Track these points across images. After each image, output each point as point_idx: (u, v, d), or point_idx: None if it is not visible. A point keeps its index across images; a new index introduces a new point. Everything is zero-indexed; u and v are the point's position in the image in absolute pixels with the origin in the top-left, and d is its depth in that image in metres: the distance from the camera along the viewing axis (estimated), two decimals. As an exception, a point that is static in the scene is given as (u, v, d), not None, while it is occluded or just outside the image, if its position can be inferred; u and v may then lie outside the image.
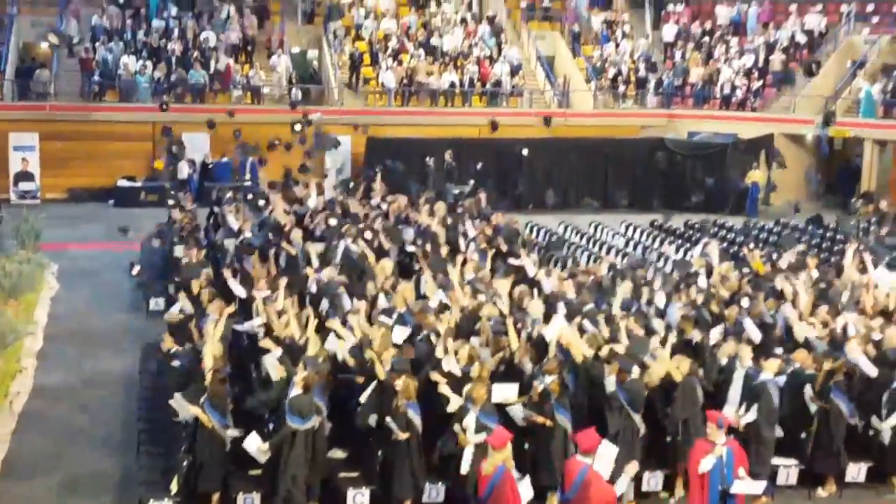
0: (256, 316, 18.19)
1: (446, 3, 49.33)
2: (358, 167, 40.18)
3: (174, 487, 14.79)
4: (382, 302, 18.98)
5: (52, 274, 27.42)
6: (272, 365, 15.83)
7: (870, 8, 46.26)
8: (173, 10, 45.04)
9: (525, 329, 17.43)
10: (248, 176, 39.47)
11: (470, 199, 30.34)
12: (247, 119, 41.11)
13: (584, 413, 15.61)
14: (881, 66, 42.74)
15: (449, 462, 14.98)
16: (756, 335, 18.15)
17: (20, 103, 40.36)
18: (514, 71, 45.84)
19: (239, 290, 20.06)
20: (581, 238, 31.60)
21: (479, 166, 39.39)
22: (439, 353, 16.09)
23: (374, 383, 15.45)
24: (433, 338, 16.81)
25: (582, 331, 17.41)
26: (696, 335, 17.45)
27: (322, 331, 16.95)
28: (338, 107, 42.51)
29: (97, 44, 42.55)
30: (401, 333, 16.95)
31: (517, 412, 15.29)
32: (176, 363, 17.04)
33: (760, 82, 44.73)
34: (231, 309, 17.87)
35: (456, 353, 15.97)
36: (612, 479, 12.80)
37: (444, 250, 22.79)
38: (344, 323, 17.32)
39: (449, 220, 26.07)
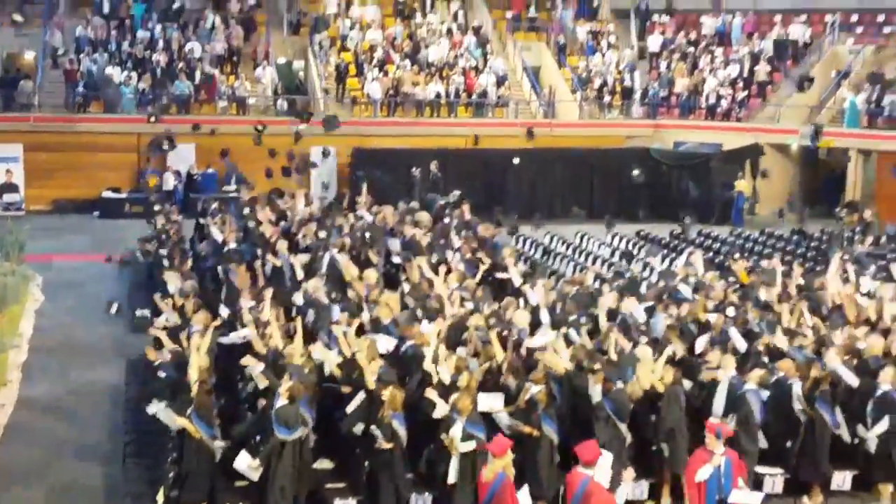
0: (242, 327, 18.16)
1: (432, 14, 49.39)
2: (344, 178, 40.23)
3: (160, 499, 14.77)
4: (366, 313, 18.95)
5: (36, 286, 27.35)
6: (257, 375, 15.82)
7: (854, 18, 46.52)
8: (158, 21, 45.02)
9: (511, 338, 17.44)
10: (234, 186, 39.39)
11: (456, 209, 30.31)
12: (231, 130, 41.02)
13: (567, 424, 15.63)
14: (866, 75, 42.86)
15: (436, 472, 14.97)
16: (741, 344, 18.18)
17: (4, 115, 40.22)
18: (500, 81, 45.87)
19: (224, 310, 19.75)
20: (567, 248, 31.63)
21: (464, 176, 39.40)
22: (428, 363, 16.08)
23: (361, 393, 15.43)
24: (424, 350, 16.75)
25: (568, 341, 17.44)
26: (679, 350, 17.41)
27: (308, 341, 16.95)
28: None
29: (82, 55, 42.48)
30: (386, 344, 16.96)
31: (503, 419, 15.29)
32: (162, 374, 16.99)
33: (745, 92, 44.83)
34: (217, 321, 17.83)
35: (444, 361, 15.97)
36: (612, 489, 12.83)
37: (425, 267, 22.63)
38: (329, 333, 17.31)
39: (434, 231, 26.10)
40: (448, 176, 38.83)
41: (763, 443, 16.22)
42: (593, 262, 28.56)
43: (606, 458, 12.76)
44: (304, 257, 23.35)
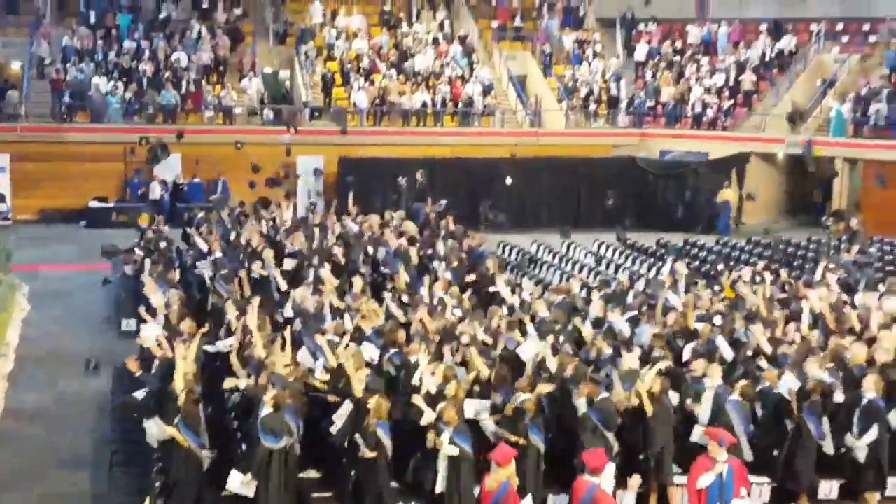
0: (228, 335, 18.15)
1: (418, 24, 49.45)
2: (330, 187, 40.24)
3: (146, 507, 14.76)
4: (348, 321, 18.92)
5: (23, 295, 27.31)
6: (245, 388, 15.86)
7: (839, 27, 46.67)
8: (144, 31, 44.99)
9: (498, 347, 17.45)
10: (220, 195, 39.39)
11: (442, 219, 30.31)
12: (218, 140, 41.01)
13: (553, 432, 15.63)
14: (851, 84, 42.99)
15: (422, 481, 14.96)
16: (728, 353, 18.21)
17: (-10, 124, 40.16)
18: (486, 91, 45.89)
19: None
20: (553, 257, 31.66)
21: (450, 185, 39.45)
22: (421, 367, 16.07)
23: (347, 402, 15.40)
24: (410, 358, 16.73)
25: (555, 349, 17.44)
26: (666, 362, 17.36)
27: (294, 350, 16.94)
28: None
29: (68, 65, 42.43)
30: (370, 352, 16.97)
31: (489, 426, 15.28)
32: (141, 393, 16.79)
33: (731, 101, 44.92)
34: (203, 329, 17.81)
35: (432, 374, 15.94)
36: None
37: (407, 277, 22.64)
38: (313, 342, 17.30)
39: (420, 240, 26.15)
40: (434, 185, 38.85)
41: (748, 455, 16.16)
42: (579, 271, 28.60)
43: (611, 467, 12.82)
44: (290, 262, 23.41)
